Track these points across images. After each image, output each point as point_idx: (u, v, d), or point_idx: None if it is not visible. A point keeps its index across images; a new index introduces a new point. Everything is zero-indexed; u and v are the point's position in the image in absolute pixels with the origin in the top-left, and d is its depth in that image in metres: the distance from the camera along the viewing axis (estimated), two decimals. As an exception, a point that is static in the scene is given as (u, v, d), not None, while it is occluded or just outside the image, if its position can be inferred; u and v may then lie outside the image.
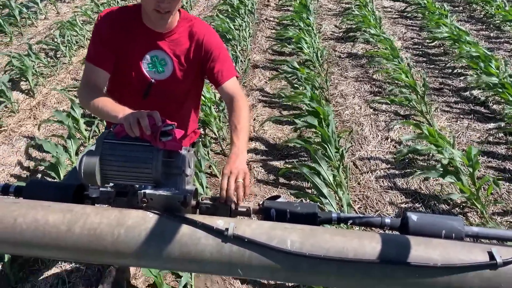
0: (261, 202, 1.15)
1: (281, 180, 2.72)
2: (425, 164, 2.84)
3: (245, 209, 1.12)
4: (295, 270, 0.95)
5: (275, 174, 2.77)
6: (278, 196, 1.19)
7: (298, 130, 3.22)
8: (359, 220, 1.15)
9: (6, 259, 1.90)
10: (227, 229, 0.96)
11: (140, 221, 0.98)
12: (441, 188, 2.59)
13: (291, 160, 2.91)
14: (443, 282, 0.90)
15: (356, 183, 2.69)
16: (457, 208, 2.44)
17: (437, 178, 2.67)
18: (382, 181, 2.70)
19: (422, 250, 0.95)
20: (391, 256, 0.94)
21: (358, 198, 2.54)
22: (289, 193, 2.55)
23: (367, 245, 0.96)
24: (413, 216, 1.09)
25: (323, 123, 2.91)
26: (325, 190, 2.23)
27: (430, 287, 0.91)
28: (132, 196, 1.12)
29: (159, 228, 0.98)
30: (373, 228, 1.19)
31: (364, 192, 2.61)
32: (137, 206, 1.07)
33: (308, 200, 2.41)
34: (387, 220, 1.12)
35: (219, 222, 0.99)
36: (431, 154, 2.91)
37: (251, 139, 3.19)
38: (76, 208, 1.02)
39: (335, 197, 2.34)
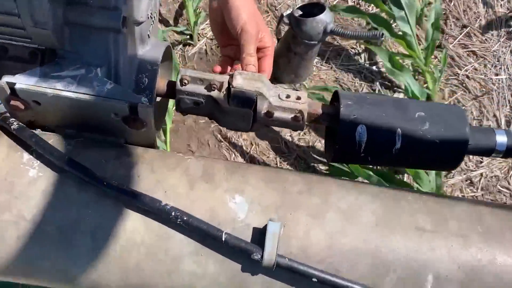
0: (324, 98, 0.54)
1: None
2: None
3: (291, 116, 0.47)
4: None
5: None
6: (321, 6, 0.62)
7: None
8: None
9: None
10: (260, 246, 0.36)
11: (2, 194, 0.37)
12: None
13: None
14: None
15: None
16: None
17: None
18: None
19: None
20: None
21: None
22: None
23: None
24: None
25: None
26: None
27: None
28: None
29: (59, 219, 0.37)
30: None
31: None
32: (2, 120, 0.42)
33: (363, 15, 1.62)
34: None
35: (236, 209, 0.38)
36: None
37: None
38: None
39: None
